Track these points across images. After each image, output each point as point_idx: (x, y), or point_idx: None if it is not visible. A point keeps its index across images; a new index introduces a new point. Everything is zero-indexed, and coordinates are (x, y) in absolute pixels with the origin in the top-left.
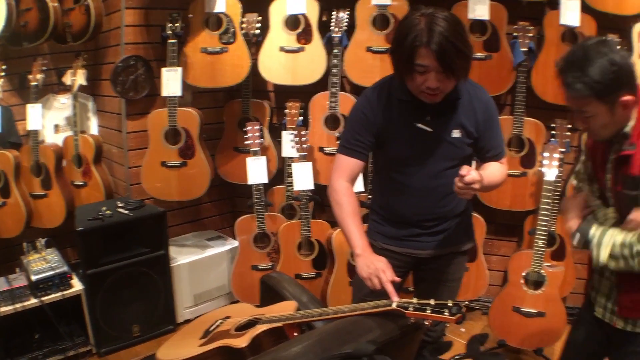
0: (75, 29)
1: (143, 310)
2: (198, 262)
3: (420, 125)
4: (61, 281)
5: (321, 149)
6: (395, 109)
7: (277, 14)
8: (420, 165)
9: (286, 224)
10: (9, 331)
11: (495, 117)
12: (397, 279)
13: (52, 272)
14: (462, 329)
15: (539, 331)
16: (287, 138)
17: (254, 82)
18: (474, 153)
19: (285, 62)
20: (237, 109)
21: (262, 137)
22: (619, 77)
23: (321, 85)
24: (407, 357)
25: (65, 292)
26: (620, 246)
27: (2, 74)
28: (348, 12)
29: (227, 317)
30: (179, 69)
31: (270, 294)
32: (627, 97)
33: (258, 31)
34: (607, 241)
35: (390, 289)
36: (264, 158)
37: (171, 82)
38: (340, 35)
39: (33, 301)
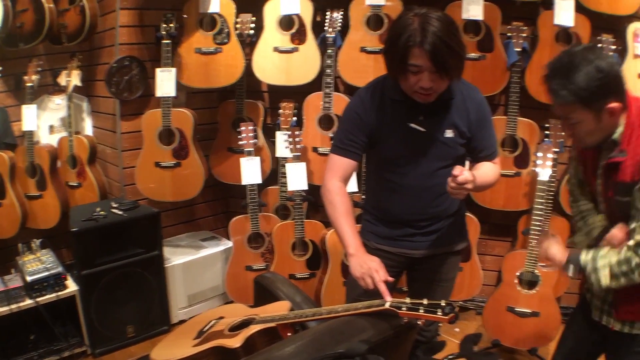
0: (71, 30)
1: (137, 311)
2: (192, 263)
3: (413, 125)
4: (56, 282)
5: (315, 149)
6: (388, 108)
7: (271, 14)
8: (413, 165)
9: (280, 224)
10: (5, 332)
11: (488, 117)
12: (390, 279)
13: (47, 273)
14: (456, 329)
15: (533, 331)
16: (281, 138)
17: (248, 82)
18: (467, 153)
19: (279, 62)
20: (231, 109)
21: (256, 137)
22: (606, 84)
23: (315, 85)
24: (401, 357)
25: (60, 293)
26: (618, 265)
27: None
28: (342, 13)
29: (221, 318)
30: (173, 70)
31: (264, 294)
32: (614, 105)
33: (252, 31)
34: (603, 264)
35: (383, 288)
36: (257, 158)
37: (165, 82)
38: (334, 35)
39: (28, 302)
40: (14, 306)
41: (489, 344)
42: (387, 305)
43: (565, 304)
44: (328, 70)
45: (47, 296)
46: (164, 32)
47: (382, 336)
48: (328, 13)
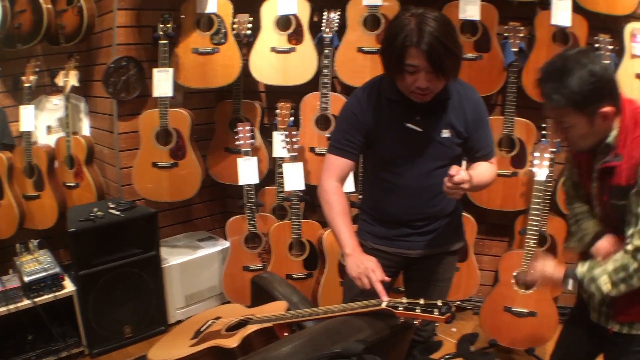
0: (68, 30)
1: (135, 311)
2: (189, 263)
3: (410, 125)
4: (53, 282)
5: (312, 150)
6: (385, 108)
7: (268, 14)
8: (410, 165)
9: (277, 224)
10: (3, 332)
11: (484, 117)
12: (387, 279)
13: (44, 274)
14: (453, 329)
15: (530, 331)
16: (278, 138)
17: (245, 82)
18: (464, 153)
19: (276, 62)
20: (228, 109)
21: (253, 137)
22: (599, 88)
23: (312, 85)
24: (398, 357)
25: (57, 294)
26: (615, 272)
27: None
28: (339, 13)
29: (218, 318)
30: (170, 70)
31: (261, 294)
32: (607, 109)
33: (249, 32)
34: (599, 272)
35: (379, 288)
36: (254, 158)
37: (162, 82)
38: (331, 35)
39: (26, 302)
40: (11, 306)
41: (486, 344)
42: (383, 305)
43: (563, 304)
44: (325, 71)
45: (45, 296)
46: (161, 33)
47: (378, 336)
48: (325, 13)
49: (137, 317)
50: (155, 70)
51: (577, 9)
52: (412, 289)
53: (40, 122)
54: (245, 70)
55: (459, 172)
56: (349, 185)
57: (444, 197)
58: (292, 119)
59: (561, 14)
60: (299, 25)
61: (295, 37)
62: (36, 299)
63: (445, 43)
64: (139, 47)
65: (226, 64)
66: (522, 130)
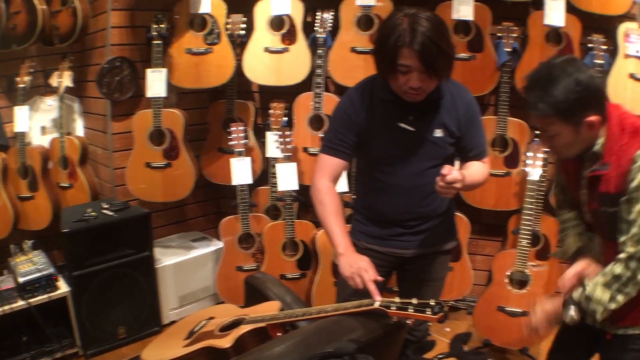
0: (62, 31)
1: (128, 312)
2: (183, 264)
3: (402, 124)
4: (47, 283)
5: (305, 150)
6: (377, 108)
7: (261, 14)
8: (403, 164)
9: (270, 224)
10: None
11: (477, 117)
12: (380, 278)
13: (38, 274)
14: (447, 329)
15: (524, 330)
16: (272, 139)
17: (239, 82)
18: (457, 152)
19: (269, 62)
20: (222, 109)
21: (246, 137)
22: (584, 97)
23: (305, 85)
24: (391, 357)
25: (51, 294)
26: (608, 285)
27: None
28: (332, 13)
29: (212, 318)
30: (164, 70)
31: (254, 294)
32: (593, 118)
33: (243, 32)
34: (591, 288)
35: (372, 288)
36: (248, 159)
37: (156, 83)
38: (324, 35)
39: (20, 303)
40: (6, 307)
41: (479, 344)
42: (376, 304)
43: None
44: (318, 71)
45: (39, 297)
46: (154, 33)
47: (371, 336)
48: (318, 13)
49: (131, 317)
50: (148, 71)
51: (570, 9)
52: (405, 288)
53: (35, 122)
54: (239, 71)
55: (452, 172)
56: (343, 185)
57: (437, 197)
58: (285, 119)
59: (554, 14)
60: (292, 25)
61: (289, 37)
62: (30, 300)
63: (438, 43)
64: (133, 47)
65: (220, 64)
66: (516, 130)
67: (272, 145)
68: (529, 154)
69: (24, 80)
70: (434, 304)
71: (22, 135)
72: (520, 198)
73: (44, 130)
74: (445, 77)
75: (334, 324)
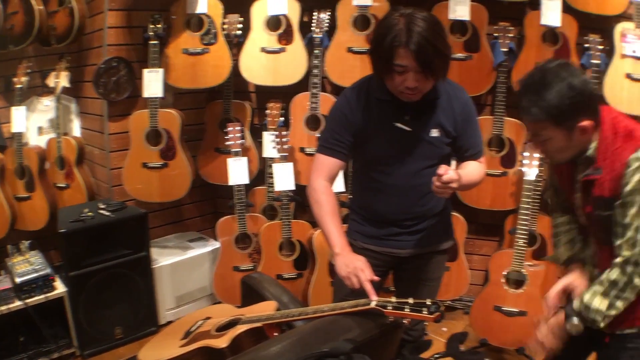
0: (59, 32)
1: (125, 312)
2: (180, 264)
3: (399, 124)
4: (44, 283)
5: (302, 150)
6: (374, 108)
7: (258, 14)
8: (399, 164)
9: (267, 224)
10: None
11: (473, 117)
12: (376, 278)
13: (35, 275)
14: (444, 328)
15: (521, 330)
16: (268, 139)
17: (235, 83)
18: (453, 152)
19: (266, 62)
20: (219, 109)
21: (243, 137)
22: (578, 102)
23: (302, 85)
24: (387, 356)
25: (48, 295)
26: (605, 293)
27: None
28: (329, 13)
29: (208, 318)
30: (161, 70)
31: (251, 294)
32: (585, 123)
33: (239, 32)
34: (589, 297)
35: (368, 288)
36: (245, 159)
37: (152, 83)
38: (321, 35)
39: (17, 303)
40: (3, 307)
41: (476, 344)
42: (372, 304)
43: None
44: (315, 71)
45: (36, 297)
46: (151, 33)
47: (368, 335)
48: (315, 13)
49: (127, 318)
50: (145, 71)
51: (567, 9)
52: (401, 288)
53: (32, 123)
54: (236, 71)
55: (448, 172)
56: (339, 185)
57: (433, 197)
58: (282, 119)
59: (551, 14)
60: (289, 25)
61: (286, 38)
62: (27, 300)
63: (434, 43)
64: (130, 47)
65: (216, 64)
66: (512, 130)
67: (269, 145)
68: (526, 153)
69: (21, 80)
70: (430, 303)
71: (19, 135)
72: (517, 198)
73: (40, 130)
74: (442, 77)
75: (330, 323)
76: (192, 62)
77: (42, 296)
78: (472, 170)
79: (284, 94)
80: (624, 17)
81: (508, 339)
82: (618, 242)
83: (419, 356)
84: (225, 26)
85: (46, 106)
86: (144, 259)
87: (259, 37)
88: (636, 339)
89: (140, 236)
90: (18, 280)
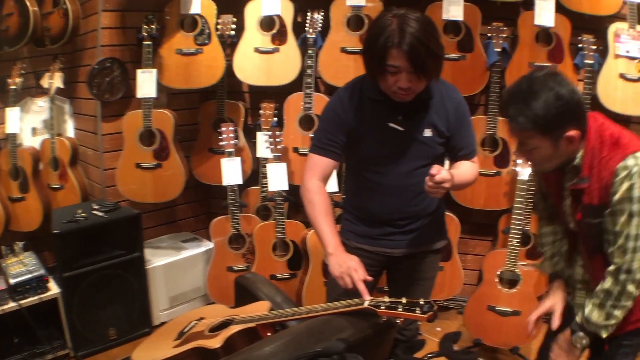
0: (54, 32)
1: (119, 313)
2: (173, 264)
3: (392, 124)
4: (38, 284)
5: (295, 150)
6: (367, 108)
7: (252, 15)
8: (392, 164)
9: (261, 224)
10: None
11: (466, 117)
12: (369, 278)
13: (29, 276)
14: (438, 328)
15: (515, 330)
16: (262, 139)
17: (229, 83)
18: (446, 152)
19: (260, 63)
20: (212, 110)
21: (236, 138)
22: (565, 112)
23: (296, 85)
24: (380, 356)
25: (42, 296)
26: (602, 305)
27: None
28: (323, 13)
29: (201, 318)
30: (154, 71)
31: (244, 294)
32: (572, 133)
33: (233, 32)
34: (589, 310)
35: (362, 287)
36: (238, 159)
37: (146, 83)
38: (314, 36)
39: (11, 305)
40: None
41: (470, 343)
42: (366, 304)
43: None
44: (308, 71)
45: (30, 299)
46: (145, 34)
47: (361, 335)
48: (309, 14)
49: (121, 319)
50: (139, 71)
51: (560, 9)
52: (395, 288)
53: (26, 124)
54: (229, 71)
55: (440, 172)
56: (333, 185)
57: (426, 196)
58: (275, 119)
59: (544, 14)
60: (282, 25)
61: (279, 38)
62: (21, 302)
63: (427, 44)
64: (123, 48)
65: (210, 64)
66: (505, 130)
67: (263, 145)
68: None
69: (15, 81)
70: (423, 303)
71: (13, 136)
72: (511, 198)
73: (34, 131)
74: (435, 77)
75: (323, 323)
76: (185, 62)
77: (36, 297)
78: (465, 170)
79: (278, 94)
80: (617, 17)
81: (502, 338)
82: (610, 249)
83: (412, 356)
84: (218, 26)
85: (40, 107)
86: (138, 259)
87: (253, 37)
88: (631, 337)
89: (133, 237)
90: (12, 281)
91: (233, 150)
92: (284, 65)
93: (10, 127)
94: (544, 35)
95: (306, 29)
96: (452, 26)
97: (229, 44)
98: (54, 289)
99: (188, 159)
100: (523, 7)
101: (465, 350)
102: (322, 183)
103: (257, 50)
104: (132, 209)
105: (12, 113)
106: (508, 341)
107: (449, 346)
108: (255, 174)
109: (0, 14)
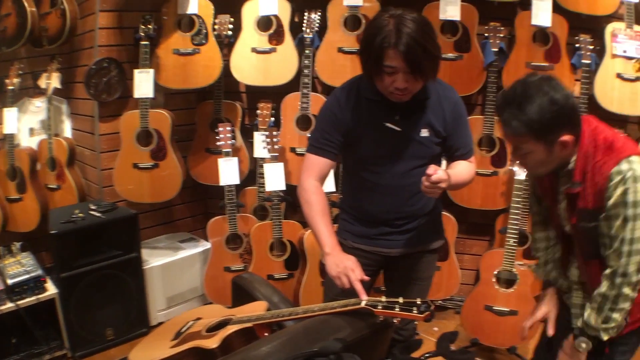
0: (51, 33)
1: (116, 314)
2: (171, 265)
3: (389, 124)
4: (36, 285)
5: (293, 150)
6: (364, 108)
7: (249, 15)
8: (389, 164)
9: (258, 224)
10: None
11: (463, 117)
12: (366, 278)
13: (27, 276)
14: (435, 328)
15: (512, 330)
16: (259, 139)
17: (226, 83)
18: (443, 152)
19: (257, 63)
20: (209, 110)
21: (233, 138)
22: (559, 117)
23: (293, 85)
24: (377, 356)
25: (40, 296)
26: (600, 309)
27: None
28: (320, 13)
29: (199, 319)
30: (151, 71)
31: (241, 295)
32: (566, 137)
33: (230, 32)
34: (588, 315)
35: (359, 287)
36: (235, 159)
37: (143, 83)
38: (311, 36)
39: (9, 305)
40: None
41: (468, 343)
42: (363, 304)
43: None
44: (306, 71)
45: (28, 299)
46: (142, 34)
47: (358, 335)
48: (306, 14)
49: (118, 319)
50: (136, 71)
51: (557, 9)
52: (392, 287)
53: (23, 124)
54: (226, 71)
55: (437, 172)
56: (330, 185)
57: (423, 196)
58: (272, 119)
59: (542, 14)
60: (279, 25)
61: (276, 38)
62: (19, 302)
63: (423, 44)
64: (121, 48)
65: (207, 64)
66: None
67: (260, 145)
68: None
69: (13, 82)
70: (420, 302)
71: (10, 137)
72: (508, 197)
73: (32, 131)
74: (431, 77)
75: (320, 323)
76: (182, 62)
77: (33, 298)
78: (462, 170)
79: (275, 94)
80: (614, 17)
81: (499, 338)
82: (607, 252)
83: (409, 355)
84: (216, 26)
85: (37, 107)
86: (135, 259)
87: (250, 37)
88: (629, 337)
89: (131, 237)
90: (9, 281)
91: (230, 150)
92: (281, 65)
93: (7, 128)
94: (541, 35)
95: (303, 29)
96: (449, 26)
97: (226, 44)
98: (51, 289)
99: (185, 159)
100: (520, 7)
101: (462, 350)
102: (319, 183)
103: (254, 50)
104: (129, 209)
105: (10, 113)
106: (505, 341)
107: (446, 346)
108: (252, 174)
109: None
